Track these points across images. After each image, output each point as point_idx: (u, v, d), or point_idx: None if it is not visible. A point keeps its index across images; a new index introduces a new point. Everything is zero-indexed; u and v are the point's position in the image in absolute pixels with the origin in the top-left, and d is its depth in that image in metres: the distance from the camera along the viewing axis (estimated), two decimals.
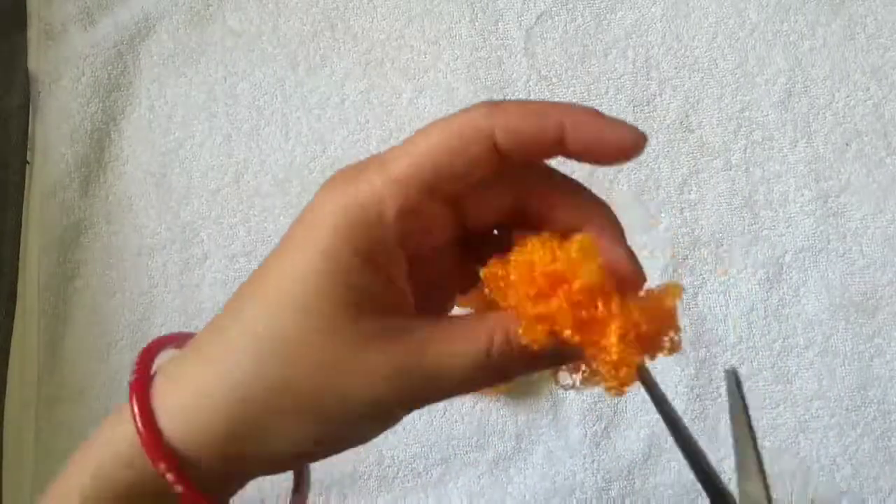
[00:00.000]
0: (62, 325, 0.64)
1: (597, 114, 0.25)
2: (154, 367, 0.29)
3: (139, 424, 0.26)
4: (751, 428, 0.29)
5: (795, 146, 0.64)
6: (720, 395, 0.61)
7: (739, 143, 0.64)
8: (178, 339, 0.31)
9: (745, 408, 0.29)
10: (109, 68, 0.68)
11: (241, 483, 0.29)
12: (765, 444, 0.60)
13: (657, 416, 0.52)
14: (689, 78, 0.65)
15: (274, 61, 0.68)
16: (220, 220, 0.66)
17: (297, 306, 0.25)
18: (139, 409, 0.27)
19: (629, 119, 0.65)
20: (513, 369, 0.26)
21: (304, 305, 0.24)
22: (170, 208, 0.66)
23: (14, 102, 0.67)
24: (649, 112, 0.65)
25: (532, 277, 0.25)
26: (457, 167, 0.24)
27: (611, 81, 0.66)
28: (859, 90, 0.64)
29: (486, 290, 0.27)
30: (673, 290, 0.26)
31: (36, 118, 0.67)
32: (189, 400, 0.27)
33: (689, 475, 0.59)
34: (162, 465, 0.26)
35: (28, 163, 0.67)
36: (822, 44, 0.64)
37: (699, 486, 0.30)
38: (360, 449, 0.28)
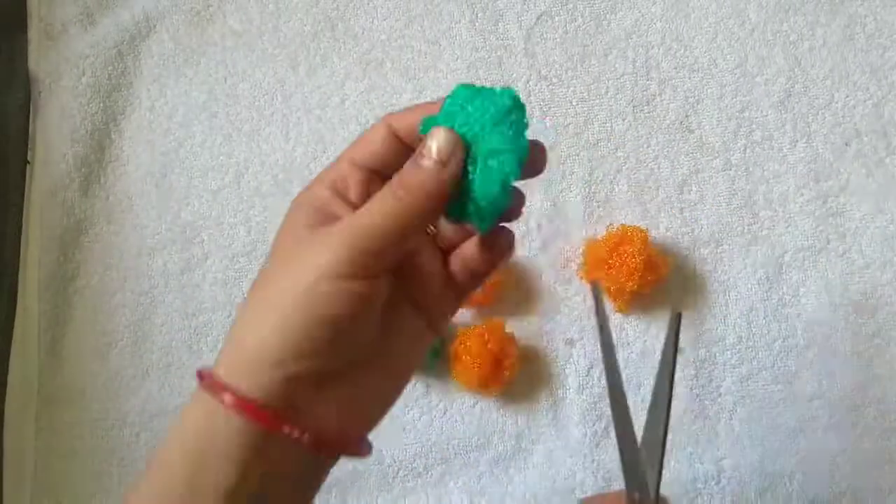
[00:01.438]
0: (62, 325, 0.65)
1: None
2: None
3: (201, 383, 0.31)
4: (672, 378, 0.32)
5: (795, 146, 0.64)
6: (720, 395, 0.61)
7: (739, 143, 0.64)
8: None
9: (675, 355, 0.33)
10: (110, 69, 0.68)
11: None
12: (764, 443, 0.60)
13: None
14: (689, 78, 0.65)
15: (274, 61, 0.68)
16: (221, 221, 0.66)
17: (276, 248, 0.33)
18: (201, 376, 0.32)
19: (629, 119, 0.65)
20: (410, 184, 0.32)
21: (279, 244, 0.33)
22: (170, 208, 0.66)
23: (14, 102, 0.67)
24: (649, 112, 0.65)
25: None
26: (370, 148, 0.34)
27: (611, 81, 0.66)
28: (859, 90, 0.64)
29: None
30: None
31: (36, 118, 0.67)
32: (239, 347, 0.32)
33: (689, 474, 0.59)
34: (226, 396, 0.30)
35: (28, 163, 0.67)
36: (822, 44, 0.64)
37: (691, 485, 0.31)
38: None
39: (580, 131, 0.65)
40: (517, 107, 0.32)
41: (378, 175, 0.34)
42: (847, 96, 0.64)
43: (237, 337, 0.32)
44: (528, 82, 0.66)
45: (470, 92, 0.32)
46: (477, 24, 0.68)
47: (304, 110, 0.68)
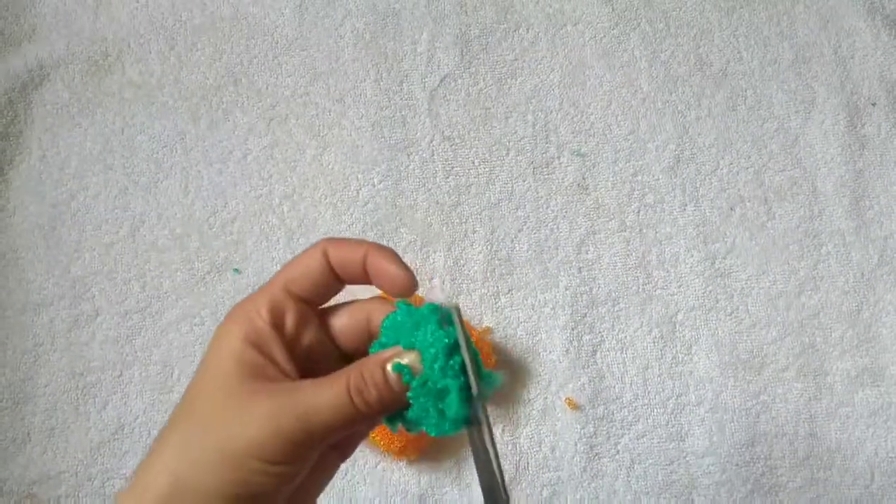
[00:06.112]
0: None
1: (392, 256, 0.34)
2: None
3: None
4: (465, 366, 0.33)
5: (685, 209, 0.67)
6: (618, 452, 0.62)
7: (633, 206, 0.67)
8: None
9: (469, 342, 0.33)
10: None
11: None
12: (660, 501, 0.61)
13: (558, 472, 0.52)
14: (586, 142, 0.68)
15: (175, 114, 0.67)
16: (114, 275, 0.63)
17: (207, 382, 0.32)
18: None
19: (529, 180, 0.66)
20: (370, 401, 0.32)
21: (212, 379, 0.32)
22: (59, 262, 0.63)
23: None
24: (548, 174, 0.67)
25: None
26: (306, 279, 0.34)
27: (511, 143, 0.68)
28: (741, 158, 0.68)
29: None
30: None
31: None
32: (144, 491, 0.31)
33: None
34: None
35: None
36: (708, 114, 0.68)
37: None
38: None
39: (482, 191, 0.67)
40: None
41: (312, 305, 0.35)
42: (731, 163, 0.67)
43: (146, 479, 0.31)
44: (431, 142, 0.67)
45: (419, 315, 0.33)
46: (382, 83, 0.69)
47: (205, 164, 0.66)
